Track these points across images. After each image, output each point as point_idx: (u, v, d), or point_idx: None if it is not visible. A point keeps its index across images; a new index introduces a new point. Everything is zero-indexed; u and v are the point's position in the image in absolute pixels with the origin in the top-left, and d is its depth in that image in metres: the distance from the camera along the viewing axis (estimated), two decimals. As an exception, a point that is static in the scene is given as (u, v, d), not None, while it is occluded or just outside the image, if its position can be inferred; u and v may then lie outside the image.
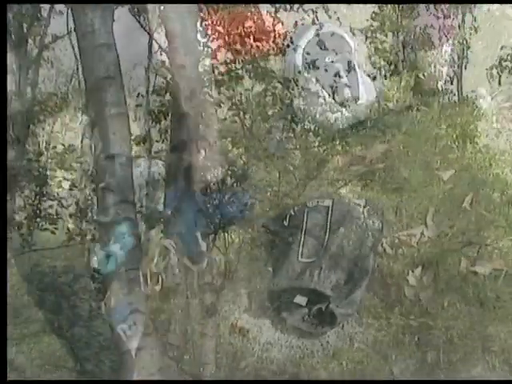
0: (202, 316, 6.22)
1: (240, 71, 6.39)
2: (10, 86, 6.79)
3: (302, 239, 6.71)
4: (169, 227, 6.11)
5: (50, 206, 6.50)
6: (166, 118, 6.40)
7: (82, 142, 6.98)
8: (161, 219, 6.12)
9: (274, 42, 6.79)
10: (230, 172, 5.94)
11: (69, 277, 6.55)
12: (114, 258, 5.34)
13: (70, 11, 6.72)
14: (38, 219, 6.46)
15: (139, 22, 6.21)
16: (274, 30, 6.79)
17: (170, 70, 6.11)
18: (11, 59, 6.78)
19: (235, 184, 6.04)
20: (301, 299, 6.56)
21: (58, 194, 6.56)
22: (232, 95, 6.34)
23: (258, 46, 6.69)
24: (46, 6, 6.86)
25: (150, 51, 6.81)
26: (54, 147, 6.64)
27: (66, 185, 6.56)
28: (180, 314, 6.23)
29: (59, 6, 6.93)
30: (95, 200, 6.05)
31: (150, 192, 6.64)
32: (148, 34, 6.26)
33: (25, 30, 6.79)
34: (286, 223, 6.87)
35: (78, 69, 6.93)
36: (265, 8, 6.85)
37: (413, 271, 6.78)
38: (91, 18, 5.36)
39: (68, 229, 6.51)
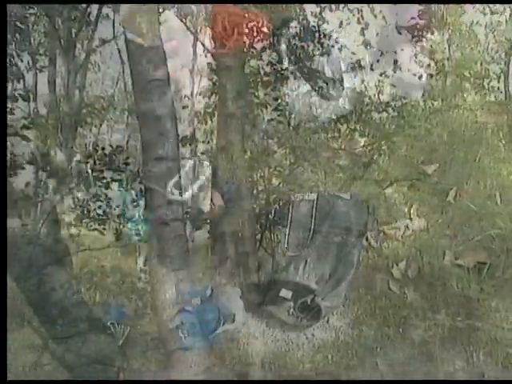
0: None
1: (285, 72, 6.40)
2: (59, 89, 6.93)
3: (287, 233, 6.66)
4: (216, 228, 6.15)
5: (99, 207, 6.63)
6: (212, 120, 6.44)
7: (127, 143, 7.08)
8: (207, 220, 6.16)
9: (318, 42, 6.77)
10: (276, 172, 5.94)
11: (116, 276, 6.64)
12: None
13: (117, 16, 6.96)
14: (87, 220, 6.59)
15: (185, 24, 6.26)
16: (319, 30, 6.77)
17: (216, 71, 6.15)
18: (60, 63, 6.93)
19: (281, 184, 6.05)
20: (286, 293, 6.54)
21: (106, 195, 6.69)
22: (278, 96, 6.35)
23: (302, 47, 6.69)
24: (93, 11, 6.97)
25: (195, 53, 6.87)
26: (103, 148, 6.75)
27: (115, 186, 6.68)
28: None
29: (106, 10, 7.06)
30: (143, 201, 6.16)
31: (195, 193, 6.68)
32: (194, 35, 6.30)
33: (73, 35, 6.91)
34: (271, 217, 6.83)
35: (123, 72, 7.06)
36: (308, 8, 6.84)
37: (397, 265, 6.76)
38: (139, 22, 5.45)
39: (116, 229, 6.63)
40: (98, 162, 6.59)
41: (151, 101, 5.45)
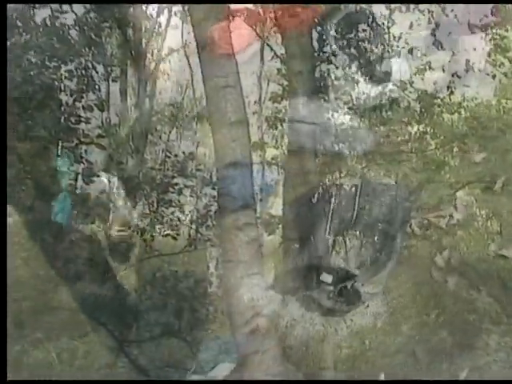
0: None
1: (356, 75, 6.36)
2: (130, 98, 7.09)
3: (330, 217, 6.59)
4: (288, 232, 6.16)
5: (172, 213, 6.73)
6: (282, 125, 6.46)
7: (196, 149, 7.17)
8: (279, 224, 6.17)
9: (388, 44, 6.71)
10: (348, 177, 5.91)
11: (189, 281, 6.72)
12: None
13: (185, 25, 7.08)
14: (160, 225, 6.70)
15: (255, 30, 6.30)
16: (389, 32, 6.71)
17: (285, 76, 6.16)
18: (131, 73, 7.09)
19: (353, 189, 6.01)
20: (326, 277, 6.48)
21: (179, 201, 6.79)
22: (348, 99, 6.32)
23: (372, 50, 6.64)
24: (163, 20, 7.10)
25: (262, 58, 6.91)
26: (176, 155, 6.86)
27: (187, 192, 6.77)
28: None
29: (175, 20, 7.19)
30: (216, 206, 6.23)
31: (264, 198, 6.71)
32: (264, 41, 6.33)
33: (143, 45, 7.06)
34: (313, 201, 6.70)
35: (192, 79, 7.16)
36: (378, 10, 6.78)
37: (441, 253, 6.58)
38: (210, 31, 5.52)
39: (189, 235, 6.71)
40: (170, 168, 6.70)
41: (224, 107, 5.50)
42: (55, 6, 6.34)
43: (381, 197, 6.64)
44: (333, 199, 6.54)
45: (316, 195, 6.39)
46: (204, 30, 5.49)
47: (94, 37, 6.60)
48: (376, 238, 6.55)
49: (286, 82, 6.47)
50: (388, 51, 6.67)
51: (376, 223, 6.61)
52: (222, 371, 6.28)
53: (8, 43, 5.79)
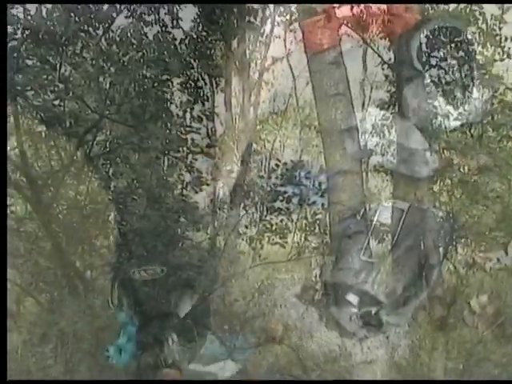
0: (432, 329, 6.10)
1: (466, 80, 6.21)
2: (235, 108, 7.21)
3: (369, 237, 6.32)
4: (398, 240, 6.09)
5: (281, 221, 6.79)
6: (389, 132, 6.39)
7: (300, 157, 7.19)
8: (388, 233, 6.11)
9: (499, 46, 6.51)
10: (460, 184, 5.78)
11: (296, 289, 6.74)
12: None
13: (288, 34, 7.16)
14: (269, 233, 6.76)
15: (363, 38, 6.28)
16: (500, 34, 6.51)
17: (393, 82, 6.11)
18: (235, 83, 7.21)
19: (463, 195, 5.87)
20: (353, 297, 6.26)
21: (287, 209, 6.84)
22: (458, 105, 6.17)
23: (481, 52, 6.45)
24: (267, 31, 7.20)
25: (365, 64, 6.87)
26: (285, 163, 6.92)
27: (295, 200, 6.80)
28: (467, 339, 6.19)
29: (278, 30, 7.28)
30: (325, 214, 6.24)
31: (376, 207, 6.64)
32: (370, 47, 6.31)
33: (247, 55, 7.17)
34: (358, 217, 6.43)
35: (295, 87, 7.20)
36: (488, 11, 6.60)
37: (477, 297, 6.25)
38: (320, 38, 5.56)
39: (297, 242, 6.74)
40: (279, 176, 6.76)
41: (333, 115, 5.52)
42: (165, 21, 6.57)
43: (426, 225, 6.41)
44: (375, 219, 6.38)
45: (362, 211, 6.27)
46: (314, 37, 5.53)
47: (201, 49, 6.76)
48: (412, 268, 6.32)
49: (393, 89, 6.40)
50: (499, 53, 6.47)
51: (416, 252, 6.35)
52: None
53: (124, 59, 6.05)
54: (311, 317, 6.54)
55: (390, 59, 6.47)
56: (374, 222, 6.10)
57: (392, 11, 6.16)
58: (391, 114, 6.35)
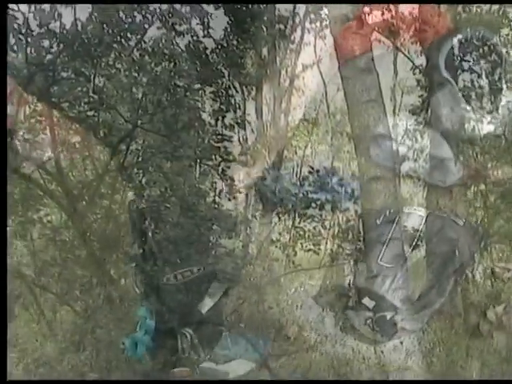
0: (467, 337, 6.04)
1: (499, 83, 6.14)
2: (266, 115, 7.24)
3: (387, 242, 6.24)
4: (431, 246, 6.05)
5: (314, 228, 6.78)
6: (422, 137, 6.36)
7: (332, 164, 7.18)
8: (423, 239, 6.08)
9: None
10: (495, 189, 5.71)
11: (330, 296, 6.73)
12: None
13: (317, 41, 7.17)
14: (302, 240, 6.76)
15: (394, 44, 6.26)
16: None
17: (425, 88, 6.07)
18: (266, 91, 7.24)
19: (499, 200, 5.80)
20: (369, 302, 6.26)
21: (320, 216, 6.83)
22: (492, 109, 6.11)
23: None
24: (297, 38, 7.21)
25: (396, 70, 6.84)
26: (318, 171, 6.91)
27: (328, 207, 6.80)
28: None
29: (308, 37, 7.29)
30: (358, 220, 6.22)
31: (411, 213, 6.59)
32: (403, 53, 6.29)
33: (278, 63, 7.20)
34: (378, 222, 6.35)
35: (326, 94, 7.20)
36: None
37: (494, 307, 6.16)
38: (352, 46, 5.57)
39: (331, 249, 6.73)
40: (312, 183, 6.76)
41: (366, 121, 5.51)
42: (197, 30, 6.64)
43: (445, 233, 6.36)
44: (394, 225, 6.28)
45: (382, 217, 6.23)
46: (345, 44, 5.54)
47: (232, 58, 6.81)
48: (429, 275, 6.28)
49: (425, 94, 6.37)
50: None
51: (433, 260, 6.29)
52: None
53: (157, 69, 6.12)
54: (345, 323, 6.55)
55: (421, 64, 6.45)
56: (407, 228, 6.08)
57: (424, 17, 6.14)
58: (423, 119, 6.33)
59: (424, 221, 6.31)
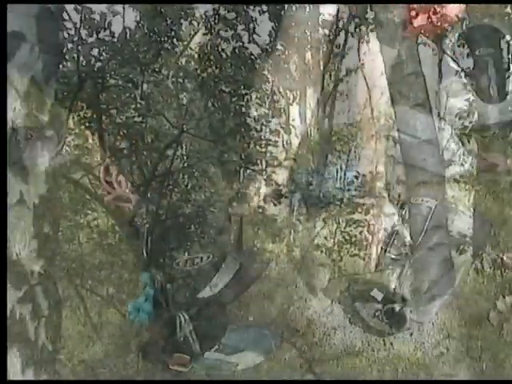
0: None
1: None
2: (309, 120, 7.25)
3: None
4: (477, 251, 5.99)
5: (360, 233, 6.76)
6: (469, 142, 6.30)
7: (375, 168, 7.15)
8: (469, 244, 6.02)
9: None
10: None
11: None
12: None
13: (361, 45, 7.16)
14: (348, 245, 6.75)
15: (440, 46, 6.22)
16: None
17: (472, 91, 6.01)
18: (309, 95, 7.25)
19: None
20: (377, 293, 6.29)
21: (366, 221, 6.81)
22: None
23: None
24: (340, 42, 7.21)
25: (440, 73, 6.78)
26: (364, 175, 6.90)
27: (373, 211, 6.77)
28: (492, 340, 6.05)
29: (352, 41, 7.28)
30: (405, 226, 6.18)
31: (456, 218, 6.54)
32: (449, 56, 6.24)
33: (321, 67, 7.20)
34: (424, 227, 6.20)
35: (370, 98, 7.18)
36: None
37: (504, 297, 6.07)
38: (398, 50, 5.55)
39: (376, 255, 6.67)
40: (358, 188, 6.75)
41: (413, 126, 5.48)
42: (242, 36, 6.69)
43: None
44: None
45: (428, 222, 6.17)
46: (391, 50, 5.52)
47: (277, 63, 6.84)
48: (438, 266, 6.18)
49: (472, 97, 6.30)
50: None
51: (442, 251, 6.19)
52: None
53: (203, 75, 6.20)
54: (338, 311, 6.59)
55: (468, 67, 6.39)
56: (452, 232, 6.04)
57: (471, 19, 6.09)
58: (470, 123, 6.26)
59: (472, 225, 6.27)
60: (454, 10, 6.31)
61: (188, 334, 6.22)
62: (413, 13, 5.84)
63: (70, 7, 5.64)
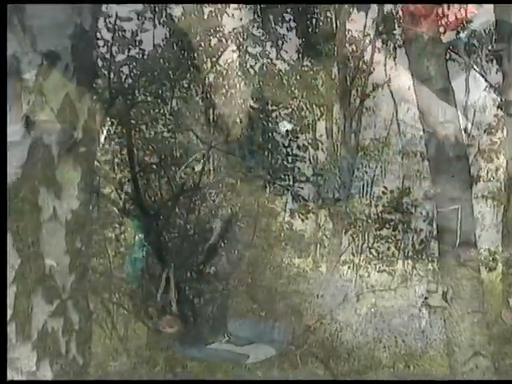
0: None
1: None
2: (336, 135, 7.27)
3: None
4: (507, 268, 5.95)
5: (388, 249, 6.75)
6: (497, 157, 6.27)
7: (402, 184, 7.14)
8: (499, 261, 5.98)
9: None
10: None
11: (403, 318, 6.67)
12: None
13: (388, 60, 7.18)
14: (376, 261, 6.74)
15: (468, 62, 6.21)
16: None
17: (501, 106, 5.99)
18: (336, 110, 7.28)
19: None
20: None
21: (394, 237, 6.79)
22: None
23: None
24: (367, 57, 7.23)
25: (468, 88, 6.77)
26: (392, 191, 6.89)
27: (402, 227, 6.75)
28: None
29: (378, 56, 7.30)
30: (433, 242, 6.16)
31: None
32: (478, 72, 6.23)
33: (348, 82, 7.23)
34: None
35: (396, 113, 7.20)
36: None
37: None
38: (427, 66, 5.55)
39: (405, 270, 6.67)
40: (386, 204, 6.74)
41: (442, 142, 5.48)
42: (270, 52, 6.75)
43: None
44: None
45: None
46: (420, 65, 5.53)
47: (305, 79, 6.89)
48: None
49: (500, 113, 6.28)
50: None
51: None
52: None
53: (231, 92, 6.27)
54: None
55: (497, 83, 6.37)
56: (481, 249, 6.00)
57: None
58: (498, 138, 6.24)
59: (500, 241, 6.21)
60: (482, 25, 6.32)
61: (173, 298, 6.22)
62: (441, 29, 5.84)
63: (101, 25, 5.75)
